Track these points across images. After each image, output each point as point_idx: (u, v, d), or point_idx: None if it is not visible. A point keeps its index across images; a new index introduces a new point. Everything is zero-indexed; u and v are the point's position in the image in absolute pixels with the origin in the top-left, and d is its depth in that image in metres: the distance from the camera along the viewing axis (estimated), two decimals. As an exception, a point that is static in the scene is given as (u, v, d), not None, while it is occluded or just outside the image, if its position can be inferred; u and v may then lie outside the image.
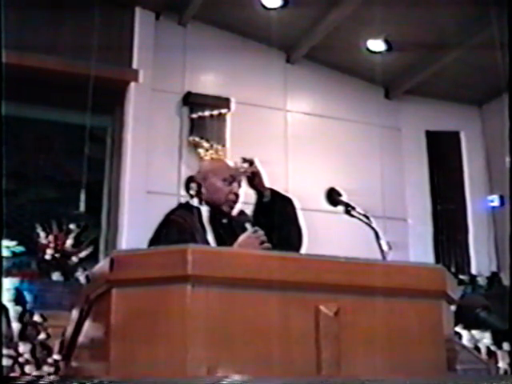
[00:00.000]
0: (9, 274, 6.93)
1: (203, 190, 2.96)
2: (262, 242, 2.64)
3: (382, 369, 1.96)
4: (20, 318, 6.36)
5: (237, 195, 2.97)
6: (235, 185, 2.97)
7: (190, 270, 1.83)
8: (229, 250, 2.16)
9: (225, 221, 2.93)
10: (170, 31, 8.82)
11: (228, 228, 2.91)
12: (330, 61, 9.36)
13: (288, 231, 2.96)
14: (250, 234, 2.68)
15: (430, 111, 9.95)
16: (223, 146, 8.68)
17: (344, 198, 2.79)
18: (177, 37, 8.84)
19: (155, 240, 2.78)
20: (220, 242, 2.80)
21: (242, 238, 2.67)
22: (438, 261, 9.32)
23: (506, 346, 7.14)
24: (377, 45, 8.77)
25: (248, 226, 2.83)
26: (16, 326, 6.18)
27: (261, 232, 2.68)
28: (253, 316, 1.88)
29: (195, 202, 2.94)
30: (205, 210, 2.89)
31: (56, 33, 8.10)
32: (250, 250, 2.53)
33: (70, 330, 2.40)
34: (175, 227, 2.79)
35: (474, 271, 9.46)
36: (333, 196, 2.80)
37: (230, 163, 3.13)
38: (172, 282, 1.86)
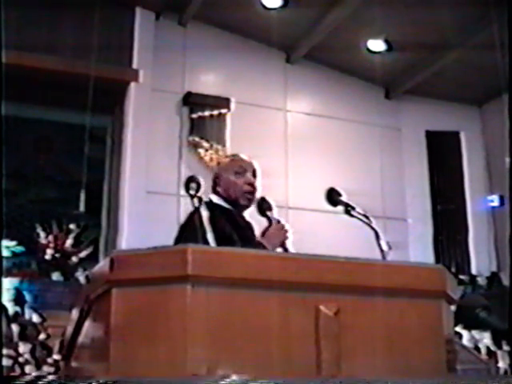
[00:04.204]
0: (9, 274, 6.94)
1: (219, 189, 2.93)
2: (286, 232, 2.72)
3: (382, 369, 1.96)
4: (15, 319, 6.36)
5: (252, 185, 2.91)
6: (248, 175, 2.92)
7: (190, 270, 1.83)
8: (229, 249, 2.16)
9: (244, 214, 2.89)
10: (170, 31, 8.81)
11: (246, 222, 2.88)
12: (329, 61, 9.36)
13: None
14: (276, 226, 2.73)
15: (430, 111, 9.94)
16: (223, 146, 8.67)
17: (344, 198, 2.78)
18: (177, 37, 8.83)
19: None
20: (241, 236, 2.75)
21: (271, 230, 2.72)
22: (438, 261, 9.31)
23: (506, 345, 7.14)
24: (377, 45, 8.77)
25: (269, 214, 2.78)
26: (16, 326, 6.17)
27: (283, 222, 2.72)
28: (253, 316, 1.88)
29: (195, 202, 2.93)
30: (204, 210, 2.88)
31: (56, 33, 8.09)
32: (277, 241, 2.69)
33: (69, 329, 2.40)
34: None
35: (474, 271, 9.46)
36: (333, 196, 2.80)
37: (241, 156, 3.05)
38: (172, 282, 1.86)
